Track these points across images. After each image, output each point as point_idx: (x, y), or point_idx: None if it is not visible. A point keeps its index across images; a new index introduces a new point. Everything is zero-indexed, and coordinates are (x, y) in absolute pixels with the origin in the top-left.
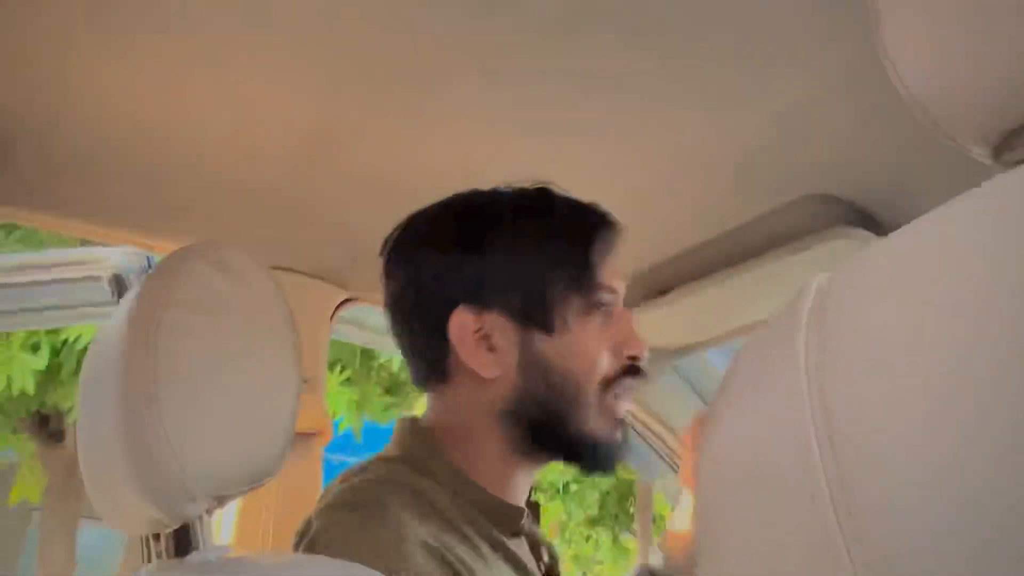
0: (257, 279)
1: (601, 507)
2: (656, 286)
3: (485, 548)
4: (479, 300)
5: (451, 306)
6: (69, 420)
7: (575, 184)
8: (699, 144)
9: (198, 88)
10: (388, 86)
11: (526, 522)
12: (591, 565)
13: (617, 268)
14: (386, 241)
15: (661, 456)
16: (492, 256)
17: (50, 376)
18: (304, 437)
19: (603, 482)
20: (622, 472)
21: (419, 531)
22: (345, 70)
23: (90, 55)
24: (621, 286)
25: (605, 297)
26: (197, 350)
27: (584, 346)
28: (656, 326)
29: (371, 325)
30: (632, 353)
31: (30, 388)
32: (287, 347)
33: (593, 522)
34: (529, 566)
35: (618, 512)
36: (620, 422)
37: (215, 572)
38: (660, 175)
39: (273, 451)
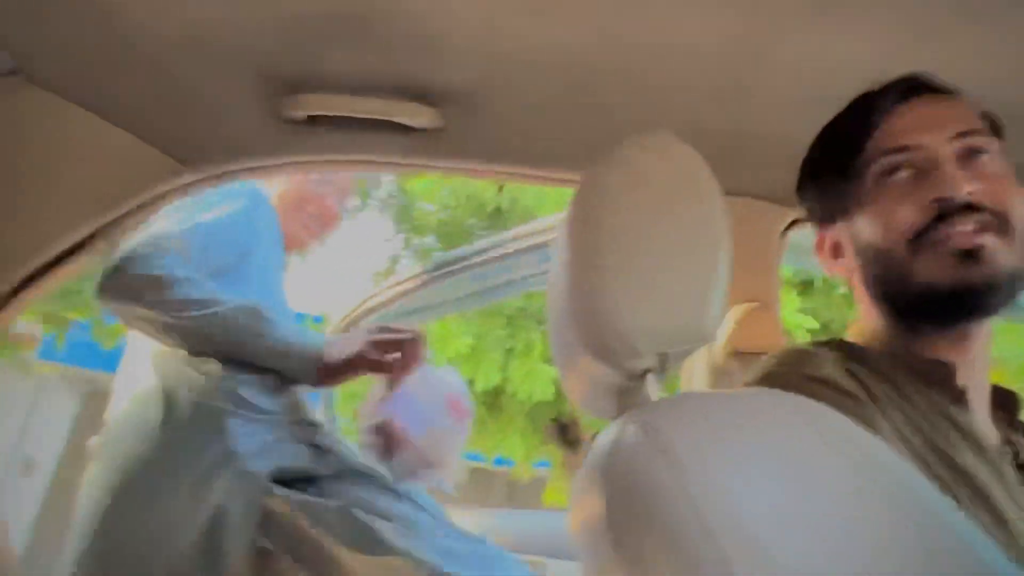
0: (686, 158)
1: None
2: None
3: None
4: (826, 217)
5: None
6: (582, 428)
7: None
8: None
9: (628, 30)
10: None
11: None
12: None
13: (917, 122)
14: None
15: None
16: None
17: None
18: (757, 356)
19: None
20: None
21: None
22: None
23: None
24: (928, 137)
25: (891, 160)
26: (632, 222)
27: (880, 214)
28: None
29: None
30: (936, 196)
31: (549, 397)
32: (713, 213)
33: None
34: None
35: None
36: (963, 261)
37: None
38: None
39: (709, 312)
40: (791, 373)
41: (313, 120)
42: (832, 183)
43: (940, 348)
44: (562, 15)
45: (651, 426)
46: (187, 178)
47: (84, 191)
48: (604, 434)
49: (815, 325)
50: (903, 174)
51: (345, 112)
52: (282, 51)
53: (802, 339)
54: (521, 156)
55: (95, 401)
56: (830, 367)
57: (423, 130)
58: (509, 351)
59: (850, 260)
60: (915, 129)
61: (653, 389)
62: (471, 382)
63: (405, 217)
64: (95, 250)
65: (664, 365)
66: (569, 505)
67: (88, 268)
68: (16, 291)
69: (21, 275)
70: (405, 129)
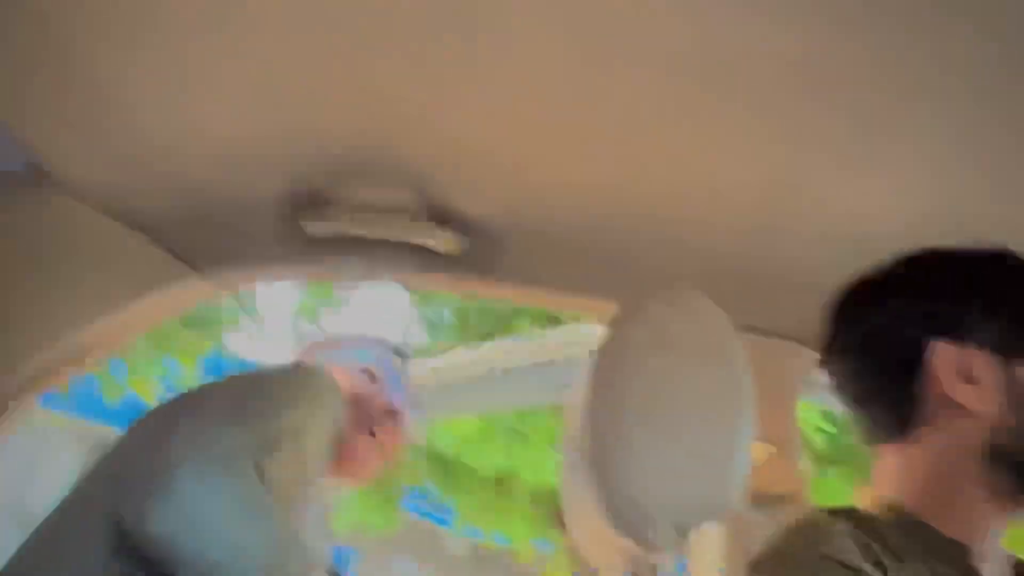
0: (712, 319)
1: None
2: None
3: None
4: (956, 334)
5: (928, 342)
6: None
7: None
8: None
9: (658, 170)
10: (844, 135)
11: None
12: None
13: None
14: (843, 291)
15: None
16: (967, 298)
17: None
18: (775, 498)
19: None
20: None
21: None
22: (802, 124)
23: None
24: None
25: None
26: (655, 387)
27: None
28: None
29: None
30: None
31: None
32: (738, 378)
33: None
34: None
35: None
36: None
37: None
38: None
39: (730, 484)
40: (806, 552)
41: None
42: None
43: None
44: (592, 152)
45: None
46: (197, 284)
47: (91, 289)
48: None
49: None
50: None
51: (367, 234)
52: (307, 169)
53: (817, 440)
54: (543, 283)
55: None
56: (848, 546)
57: (445, 254)
58: (516, 434)
59: (991, 394)
60: None
61: (672, 562)
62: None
63: None
64: (101, 351)
65: (683, 534)
66: None
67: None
68: (20, 391)
69: (26, 375)
70: (426, 251)
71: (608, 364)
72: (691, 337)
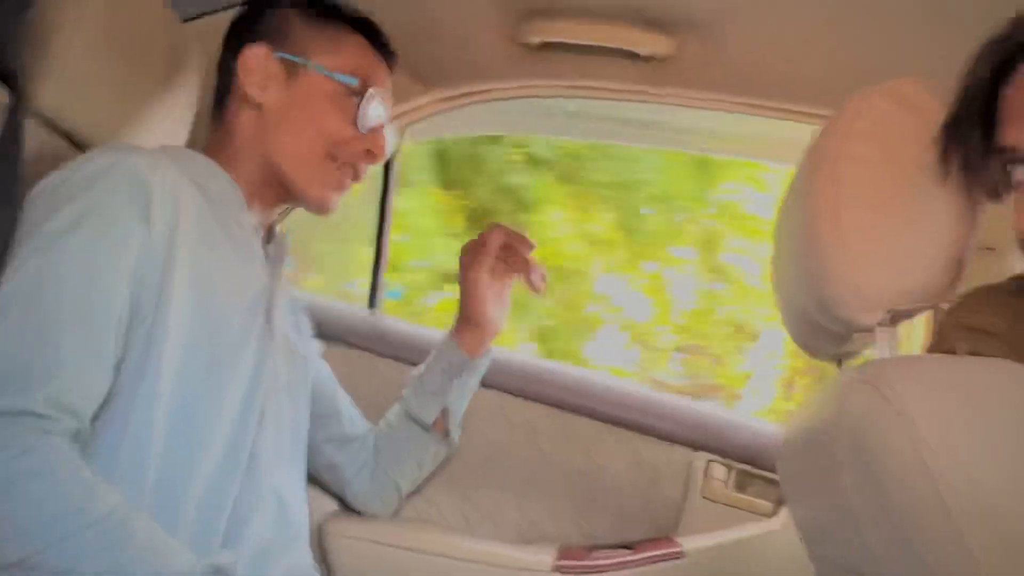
0: (927, 106)
1: None
2: None
3: None
4: None
5: None
6: None
7: None
8: None
9: None
10: None
11: None
12: None
13: None
14: None
15: None
16: None
17: None
18: None
19: None
20: None
21: None
22: None
23: None
24: None
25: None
26: (873, 177)
27: None
28: None
29: None
30: None
31: None
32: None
33: None
34: None
35: None
36: None
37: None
38: None
39: (943, 276)
40: (948, 322)
41: (548, 46)
42: None
43: None
44: None
45: (885, 388)
46: (429, 99)
47: None
48: (829, 390)
49: None
50: None
51: (579, 39)
52: None
53: None
54: (756, 89)
55: None
56: (987, 311)
57: (656, 58)
58: None
59: None
60: None
61: (884, 345)
62: None
63: None
64: None
65: (895, 320)
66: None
67: None
68: None
69: None
70: (638, 57)
71: (822, 153)
72: (910, 129)
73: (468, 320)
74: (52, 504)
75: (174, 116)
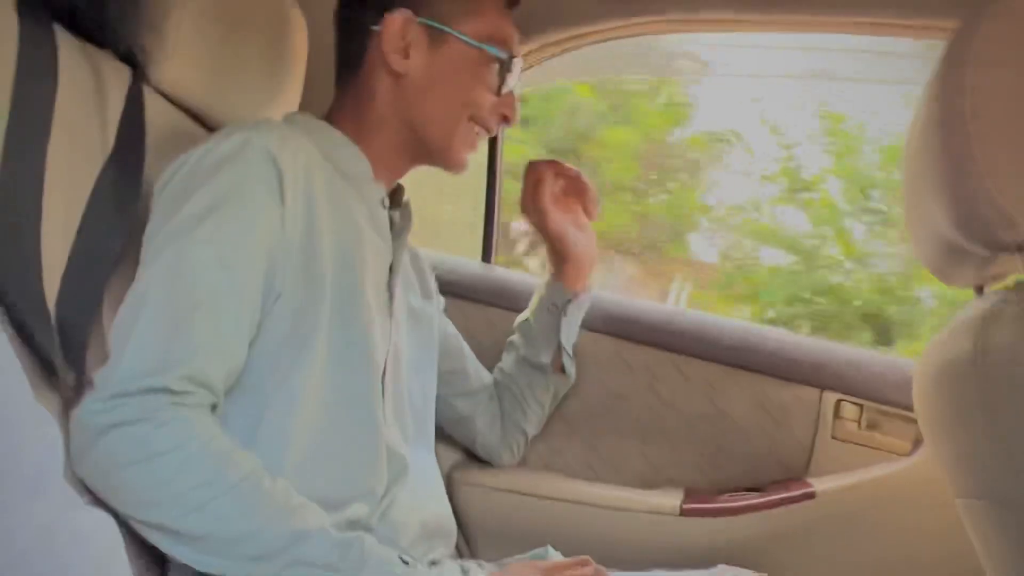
0: None
1: None
2: None
3: None
4: None
5: None
6: None
7: None
8: None
9: None
10: None
11: None
12: None
13: None
14: None
15: None
16: None
17: None
18: None
19: None
20: None
21: None
22: None
23: None
24: None
25: None
26: (1007, 84)
27: None
28: None
29: None
30: None
31: None
32: None
33: None
34: None
35: None
36: None
37: None
38: None
39: None
40: None
41: None
42: None
43: None
44: None
45: None
46: (528, 48)
47: None
48: (969, 320)
49: None
50: None
51: None
52: None
53: None
54: (879, 3)
55: None
56: None
57: None
58: None
59: None
60: None
61: None
62: None
63: None
64: None
65: None
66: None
67: None
68: None
69: None
70: None
71: (955, 60)
72: None
73: (559, 256)
74: (187, 476)
75: (285, 84)
